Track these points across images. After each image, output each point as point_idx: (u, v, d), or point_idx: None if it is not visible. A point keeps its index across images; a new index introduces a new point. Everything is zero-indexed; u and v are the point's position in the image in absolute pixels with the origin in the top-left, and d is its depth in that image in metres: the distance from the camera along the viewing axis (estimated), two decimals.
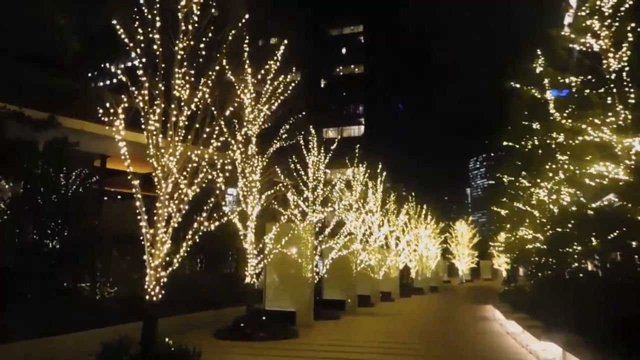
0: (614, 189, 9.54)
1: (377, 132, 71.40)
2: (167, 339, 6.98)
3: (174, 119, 7.03)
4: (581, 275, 12.21)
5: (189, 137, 7.13)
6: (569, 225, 11.33)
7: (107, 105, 6.67)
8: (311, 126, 14.73)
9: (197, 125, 7.21)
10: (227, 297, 13.23)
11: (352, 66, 77.31)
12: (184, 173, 6.99)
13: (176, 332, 8.37)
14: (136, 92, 6.88)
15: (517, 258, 21.72)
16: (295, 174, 14.29)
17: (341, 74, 77.37)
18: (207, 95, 7.22)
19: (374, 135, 70.16)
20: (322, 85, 75.47)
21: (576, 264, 12.42)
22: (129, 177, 6.78)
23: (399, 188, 31.62)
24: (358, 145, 18.69)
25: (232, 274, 14.99)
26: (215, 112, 7.71)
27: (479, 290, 39.68)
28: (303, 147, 14.36)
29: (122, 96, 6.76)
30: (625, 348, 6.65)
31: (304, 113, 11.94)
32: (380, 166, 22.22)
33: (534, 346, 9.77)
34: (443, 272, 50.79)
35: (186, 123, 7.12)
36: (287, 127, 11.38)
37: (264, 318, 11.09)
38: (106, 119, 6.61)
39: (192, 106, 7.13)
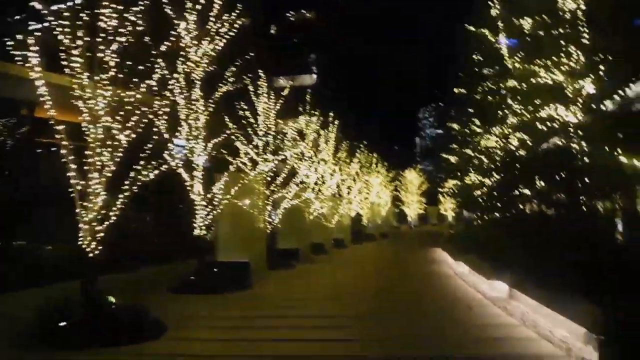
0: (563, 131, 9.67)
1: (329, 81, 70.27)
2: (110, 297, 6.57)
3: (100, 54, 6.16)
4: (531, 216, 12.45)
5: (120, 76, 6.30)
6: (517, 169, 11.62)
7: (19, 37, 5.74)
8: (261, 71, 13.87)
9: (129, 62, 6.37)
10: (178, 251, 12.83)
11: (304, 11, 74.19)
12: (116, 117, 6.25)
13: (126, 289, 7.94)
14: (55, 23, 5.91)
15: (465, 202, 22.50)
16: (244, 121, 13.56)
17: (292, 19, 74.15)
18: (138, 28, 6.34)
19: (326, 84, 69.05)
20: (273, 32, 72.10)
21: (521, 206, 12.87)
22: (51, 123, 5.97)
23: (351, 137, 31.60)
24: (309, 91, 18.07)
25: (183, 228, 14.47)
26: (150, 48, 6.86)
27: (427, 235, 41.64)
28: (252, 93, 13.55)
29: (38, 28, 5.79)
30: (569, 285, 6.95)
31: (252, 54, 11.10)
32: (332, 115, 21.87)
33: (482, 286, 9.94)
34: (393, 219, 53.04)
35: (116, 60, 6.28)
36: (234, 69, 10.57)
37: (216, 270, 10.87)
38: (19, 55, 5.69)
39: (122, 39, 6.25)
